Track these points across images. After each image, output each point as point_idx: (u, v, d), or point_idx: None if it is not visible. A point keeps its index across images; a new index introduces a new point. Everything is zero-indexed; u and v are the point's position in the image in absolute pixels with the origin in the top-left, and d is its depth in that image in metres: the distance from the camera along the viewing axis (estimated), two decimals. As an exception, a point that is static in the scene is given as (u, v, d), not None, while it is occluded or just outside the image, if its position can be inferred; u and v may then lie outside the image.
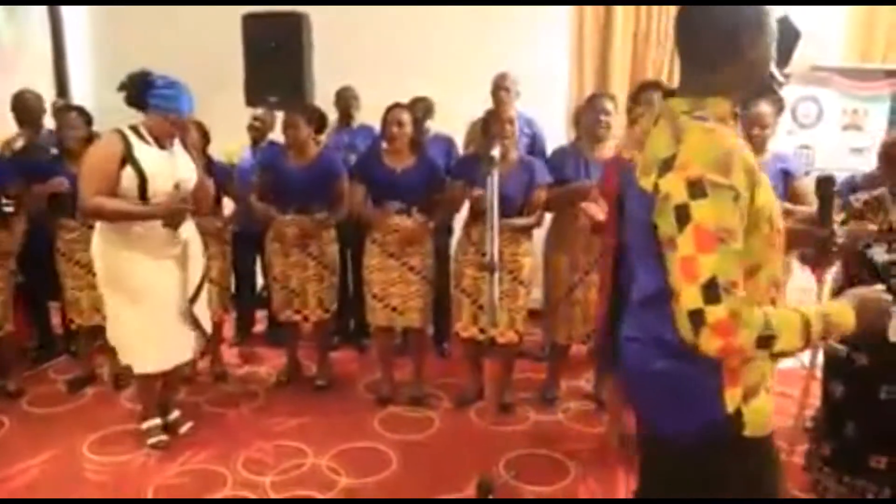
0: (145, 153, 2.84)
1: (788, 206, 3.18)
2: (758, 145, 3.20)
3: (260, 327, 4.65)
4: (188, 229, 3.00)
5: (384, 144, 3.53)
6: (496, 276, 2.57)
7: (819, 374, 2.68)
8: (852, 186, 3.00)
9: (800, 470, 2.79)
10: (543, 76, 4.52)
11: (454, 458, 3.05)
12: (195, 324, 3.06)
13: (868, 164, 4.01)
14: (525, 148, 4.00)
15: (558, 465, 3.03)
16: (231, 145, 4.31)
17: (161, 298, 2.94)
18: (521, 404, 3.62)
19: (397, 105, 3.44)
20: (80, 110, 3.69)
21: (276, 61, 4.13)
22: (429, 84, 4.25)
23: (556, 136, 4.32)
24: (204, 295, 3.13)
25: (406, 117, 3.42)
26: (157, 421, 3.19)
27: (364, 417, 3.45)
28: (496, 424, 3.37)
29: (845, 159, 4.20)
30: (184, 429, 3.25)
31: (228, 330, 4.38)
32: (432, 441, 3.27)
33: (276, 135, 4.13)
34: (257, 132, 4.27)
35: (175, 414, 3.28)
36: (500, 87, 4.13)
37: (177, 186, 2.88)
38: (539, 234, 3.71)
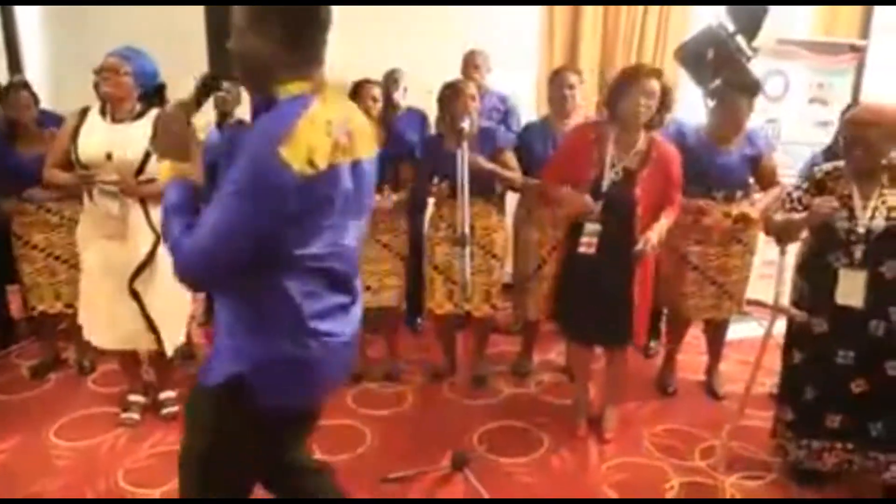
0: (92, 126, 2.81)
1: (757, 200, 3.25)
2: (732, 133, 3.22)
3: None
4: (130, 207, 2.86)
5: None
6: (468, 249, 2.58)
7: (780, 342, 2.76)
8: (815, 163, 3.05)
9: (767, 435, 2.88)
10: (513, 50, 4.50)
11: (428, 432, 3.08)
12: (141, 308, 2.91)
13: (831, 137, 4.08)
14: (498, 123, 3.99)
15: (531, 437, 3.07)
16: (198, 122, 4.22)
17: (102, 274, 2.91)
18: (494, 378, 3.65)
19: (367, 81, 3.38)
20: (29, 88, 3.55)
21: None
22: (399, 59, 4.19)
23: (527, 111, 4.32)
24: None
25: (377, 92, 3.37)
26: (137, 398, 3.20)
27: (338, 394, 3.44)
28: (469, 398, 3.40)
29: (811, 133, 4.27)
30: (167, 410, 3.21)
31: (197, 308, 4.33)
32: (406, 416, 3.29)
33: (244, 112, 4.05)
34: (223, 106, 4.16)
35: (167, 394, 3.25)
36: (470, 64, 4.11)
37: (109, 157, 2.80)
38: (509, 209, 3.73)
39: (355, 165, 1.53)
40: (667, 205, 2.83)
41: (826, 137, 4.12)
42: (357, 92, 3.36)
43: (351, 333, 1.65)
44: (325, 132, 1.41)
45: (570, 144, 2.96)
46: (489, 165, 3.18)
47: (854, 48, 4.35)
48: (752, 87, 3.26)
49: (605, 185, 2.77)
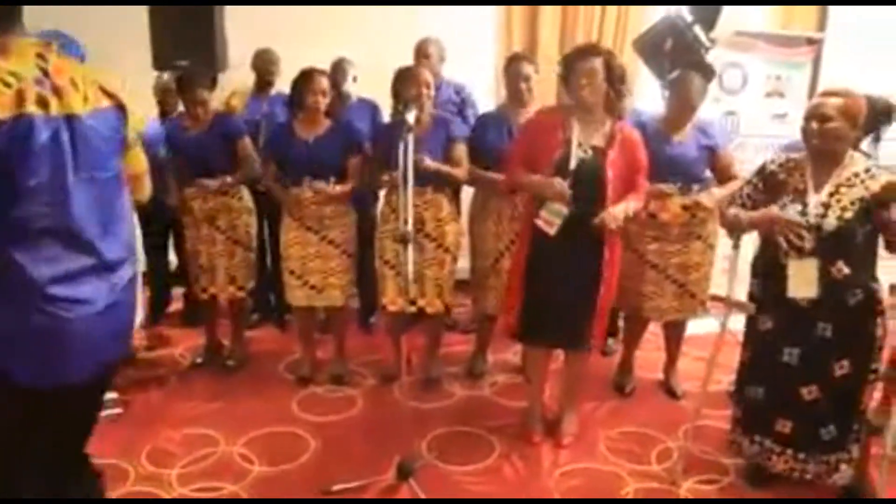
0: None
1: (715, 192, 3.17)
2: (683, 121, 3.15)
3: (178, 306, 4.39)
4: None
5: (298, 114, 3.29)
6: (410, 247, 2.46)
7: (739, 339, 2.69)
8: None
9: (724, 435, 2.80)
10: (469, 39, 4.36)
11: (375, 439, 2.94)
12: None
13: (789, 129, 4.03)
14: (454, 115, 3.86)
15: (483, 443, 2.95)
16: (136, 115, 3.98)
17: None
18: (447, 379, 3.52)
19: (314, 70, 3.20)
20: None
21: (184, 21, 3.85)
22: (352, 47, 4.02)
23: (484, 101, 4.19)
24: None
25: (325, 84, 3.20)
26: None
27: (282, 399, 3.29)
28: (421, 401, 3.28)
29: (768, 126, 4.22)
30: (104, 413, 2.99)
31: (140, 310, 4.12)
32: (353, 422, 3.14)
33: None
34: (166, 98, 3.95)
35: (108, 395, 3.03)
36: (421, 53, 3.96)
37: None
38: (464, 202, 3.60)
39: (70, 120, 1.51)
40: (634, 190, 2.74)
41: (783, 130, 4.08)
42: (303, 83, 3.18)
43: (107, 301, 1.60)
44: (1, 83, 1.41)
45: (535, 127, 2.84)
46: (433, 165, 3.05)
47: (811, 41, 4.31)
48: (704, 68, 3.19)
49: (574, 162, 2.65)
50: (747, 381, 2.56)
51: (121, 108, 1.65)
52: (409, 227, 2.58)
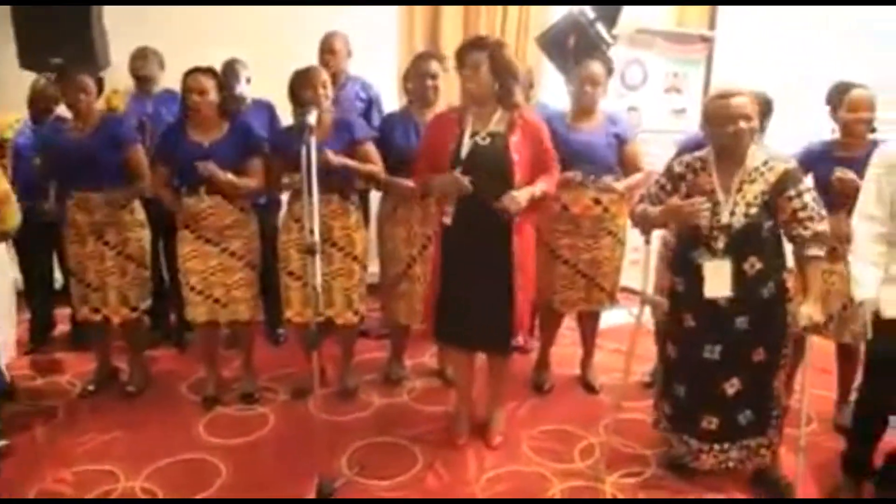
0: None
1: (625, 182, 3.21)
2: (589, 104, 3.17)
3: (63, 328, 4.03)
4: None
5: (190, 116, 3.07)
6: (318, 258, 2.33)
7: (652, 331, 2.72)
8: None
9: (644, 427, 2.83)
10: (371, 38, 4.23)
11: (292, 458, 2.78)
12: None
13: (687, 124, 4.17)
14: (361, 114, 3.73)
15: (405, 453, 2.85)
16: (4, 118, 3.63)
17: None
18: (363, 388, 3.40)
19: (196, 69, 2.98)
20: None
21: (54, 15, 3.54)
22: (246, 46, 3.81)
23: (387, 102, 4.08)
24: None
25: (209, 83, 2.98)
26: None
27: (187, 424, 3.06)
28: (338, 414, 3.14)
29: (668, 121, 4.34)
30: None
31: (21, 334, 3.75)
32: (267, 442, 2.96)
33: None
34: (41, 102, 3.59)
35: None
36: (326, 49, 3.81)
37: None
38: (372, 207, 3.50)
39: None
40: (543, 173, 2.71)
41: (682, 125, 4.21)
42: (183, 83, 2.98)
43: None
44: None
45: (433, 127, 2.80)
46: (340, 160, 2.92)
47: (704, 38, 4.47)
48: (606, 62, 3.24)
49: (465, 151, 2.61)
50: (672, 380, 2.57)
51: None
52: (316, 237, 2.45)
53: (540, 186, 2.66)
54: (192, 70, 2.98)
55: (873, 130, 2.87)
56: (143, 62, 3.69)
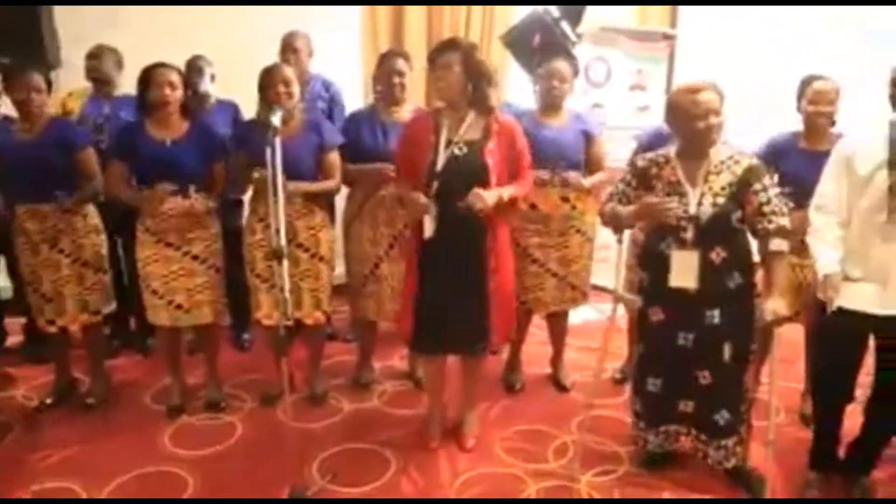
0: None
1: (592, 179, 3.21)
2: (556, 100, 3.17)
3: (17, 338, 3.87)
4: None
5: (150, 114, 2.96)
6: (285, 263, 2.27)
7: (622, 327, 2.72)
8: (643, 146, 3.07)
9: (616, 424, 2.83)
10: (334, 38, 4.17)
11: (262, 467, 2.71)
12: None
13: (651, 121, 4.19)
14: (324, 114, 3.66)
15: (377, 459, 2.81)
16: None
17: None
18: (333, 393, 3.34)
19: (161, 65, 2.89)
20: None
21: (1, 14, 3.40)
22: (207, 46, 3.71)
23: (351, 98, 4.02)
24: None
25: (175, 78, 2.89)
26: None
27: (151, 435, 2.96)
28: (307, 420, 3.07)
29: (633, 117, 4.37)
30: None
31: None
32: (235, 452, 2.88)
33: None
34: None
35: None
36: (288, 47, 3.73)
37: None
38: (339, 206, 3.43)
39: None
40: (516, 177, 2.69)
41: (647, 122, 4.23)
42: (146, 77, 2.88)
43: None
44: None
45: (408, 134, 2.76)
46: (302, 188, 2.90)
47: (666, 36, 4.52)
48: (572, 60, 3.24)
49: (441, 162, 2.58)
50: (645, 375, 2.58)
51: None
52: (283, 240, 2.39)
53: (509, 190, 2.63)
54: (157, 64, 2.88)
55: (833, 124, 2.92)
56: (97, 62, 3.55)
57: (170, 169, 2.88)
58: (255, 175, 2.84)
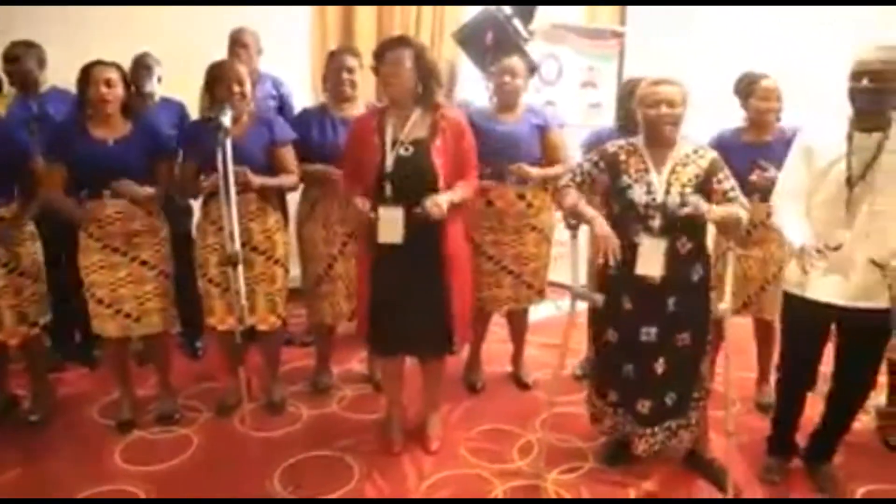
0: None
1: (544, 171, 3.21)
2: (510, 96, 3.15)
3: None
4: None
5: (88, 112, 2.82)
6: (241, 269, 2.19)
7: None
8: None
9: (582, 419, 2.83)
10: (282, 36, 4.07)
11: (220, 480, 2.62)
12: None
13: (602, 118, 4.25)
14: (274, 112, 3.57)
15: (340, 466, 2.74)
16: None
17: None
18: (291, 400, 3.26)
19: (100, 62, 2.76)
20: None
21: None
22: (152, 43, 3.57)
23: (301, 100, 3.93)
24: None
25: (114, 76, 2.75)
26: None
27: (101, 453, 2.82)
28: (266, 429, 2.99)
29: (585, 114, 4.41)
30: None
31: None
32: (192, 465, 2.77)
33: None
34: None
35: None
36: (237, 43, 3.63)
37: None
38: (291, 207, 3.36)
39: None
40: (463, 176, 2.65)
41: (598, 119, 4.28)
42: (84, 75, 2.75)
43: None
44: None
45: (354, 134, 2.69)
46: (258, 181, 2.79)
47: (615, 34, 4.57)
48: (527, 60, 3.23)
49: (389, 164, 2.53)
50: (617, 362, 2.54)
51: None
52: (238, 244, 2.31)
53: (458, 193, 2.60)
54: (96, 62, 2.75)
55: (778, 119, 3.01)
56: (17, 65, 3.31)
57: (113, 170, 2.75)
58: (204, 182, 2.75)
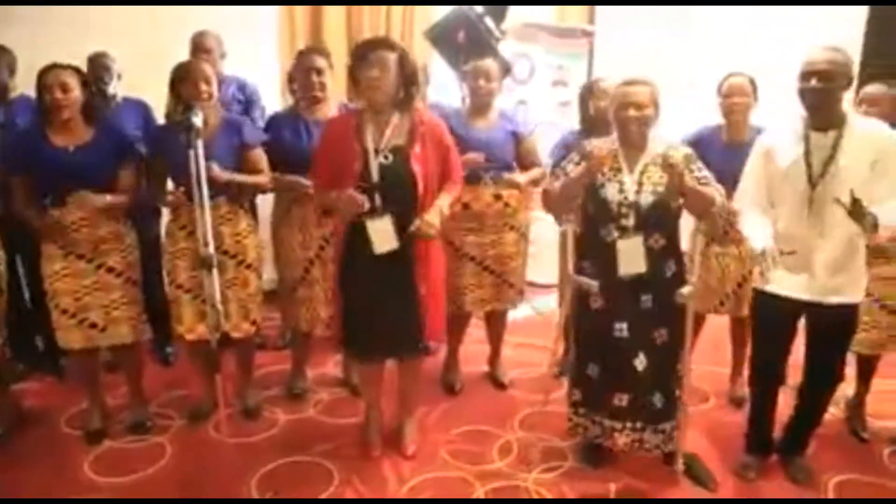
0: None
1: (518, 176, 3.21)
2: (484, 99, 3.14)
3: None
4: None
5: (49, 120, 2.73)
6: (215, 272, 2.14)
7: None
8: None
9: (556, 419, 2.84)
10: (249, 34, 4.01)
11: (196, 490, 2.56)
12: None
13: (573, 116, 4.25)
14: (242, 115, 3.51)
15: (319, 471, 2.70)
16: None
17: None
18: (266, 405, 3.20)
19: (55, 66, 2.66)
20: None
21: None
22: (115, 45, 3.47)
23: (270, 102, 3.88)
24: None
25: (69, 80, 2.65)
26: None
27: (69, 464, 2.74)
28: (242, 436, 2.93)
29: (556, 112, 4.43)
30: None
31: None
32: (166, 475, 2.70)
33: None
34: None
35: None
36: (200, 48, 3.55)
37: None
38: (265, 211, 3.30)
39: None
40: (447, 181, 2.63)
41: (568, 117, 4.29)
42: (38, 80, 2.65)
43: None
44: None
45: (329, 138, 2.62)
46: (225, 175, 2.73)
47: (585, 33, 4.60)
48: (500, 61, 3.23)
49: (375, 171, 2.48)
50: (584, 360, 2.59)
51: None
52: (211, 249, 2.26)
53: (445, 200, 2.59)
54: (51, 66, 2.65)
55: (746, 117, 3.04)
56: (7, 67, 3.24)
57: (76, 176, 2.66)
58: (171, 197, 2.68)
